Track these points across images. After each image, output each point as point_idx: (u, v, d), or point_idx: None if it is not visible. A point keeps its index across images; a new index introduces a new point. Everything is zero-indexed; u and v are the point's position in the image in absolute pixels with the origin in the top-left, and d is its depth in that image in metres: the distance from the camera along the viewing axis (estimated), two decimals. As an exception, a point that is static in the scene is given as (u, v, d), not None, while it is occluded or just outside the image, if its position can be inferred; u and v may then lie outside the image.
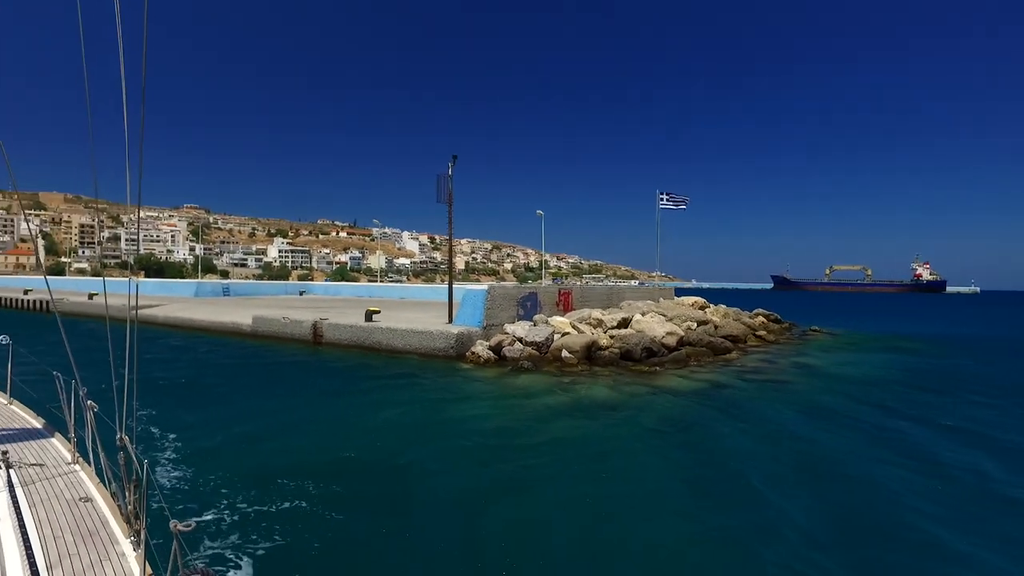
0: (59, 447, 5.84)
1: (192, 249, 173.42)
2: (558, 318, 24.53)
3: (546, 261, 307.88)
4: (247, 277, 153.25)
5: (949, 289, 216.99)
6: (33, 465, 5.21)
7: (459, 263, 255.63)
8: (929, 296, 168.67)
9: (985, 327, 51.41)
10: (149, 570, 3.46)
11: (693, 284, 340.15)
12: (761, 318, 36.38)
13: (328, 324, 25.90)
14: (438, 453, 11.33)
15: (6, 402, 7.66)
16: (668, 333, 23.98)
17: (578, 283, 47.86)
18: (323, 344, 25.73)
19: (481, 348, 21.58)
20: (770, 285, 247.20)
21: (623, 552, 7.24)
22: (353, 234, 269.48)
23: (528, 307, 25.66)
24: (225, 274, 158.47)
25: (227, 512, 7.77)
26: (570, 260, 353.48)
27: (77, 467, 5.26)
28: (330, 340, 25.57)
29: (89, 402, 5.15)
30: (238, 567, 6.27)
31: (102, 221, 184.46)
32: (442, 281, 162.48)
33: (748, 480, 10.00)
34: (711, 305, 35.52)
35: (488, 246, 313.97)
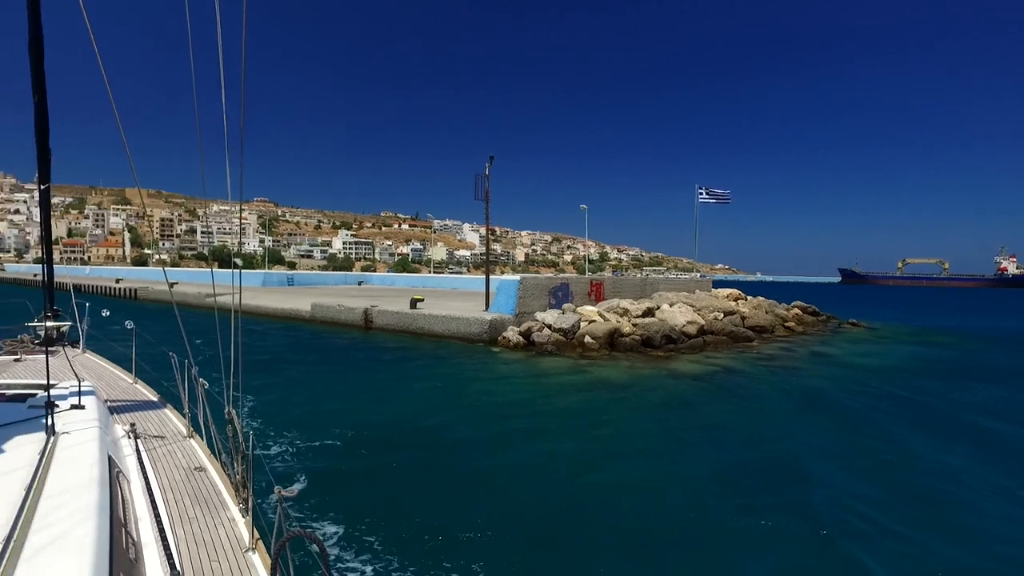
0: (176, 421, 6.41)
1: (261, 241, 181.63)
2: (587, 307, 26.35)
3: (606, 253, 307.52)
4: (312, 268, 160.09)
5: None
6: (155, 437, 5.72)
7: (519, 255, 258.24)
8: (1015, 291, 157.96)
9: None
10: (256, 535, 3.73)
11: (757, 277, 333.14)
12: (796, 310, 37.13)
13: (377, 311, 28.47)
14: (464, 414, 13.75)
15: (131, 381, 8.38)
16: (688, 322, 25.50)
17: (609, 275, 49.04)
18: (373, 329, 28.31)
19: (512, 333, 23.66)
20: (838, 279, 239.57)
21: (600, 482, 9.35)
22: (415, 226, 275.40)
23: (560, 296, 27.58)
24: (292, 265, 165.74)
25: (319, 473, 9.76)
26: (631, 252, 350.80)
27: (192, 440, 5.76)
28: (379, 325, 28.14)
29: (200, 380, 5.62)
30: (324, 518, 7.89)
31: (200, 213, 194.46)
32: (501, 272, 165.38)
33: (718, 440, 11.90)
34: (747, 297, 36.54)
35: (548, 238, 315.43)
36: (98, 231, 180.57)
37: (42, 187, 7.18)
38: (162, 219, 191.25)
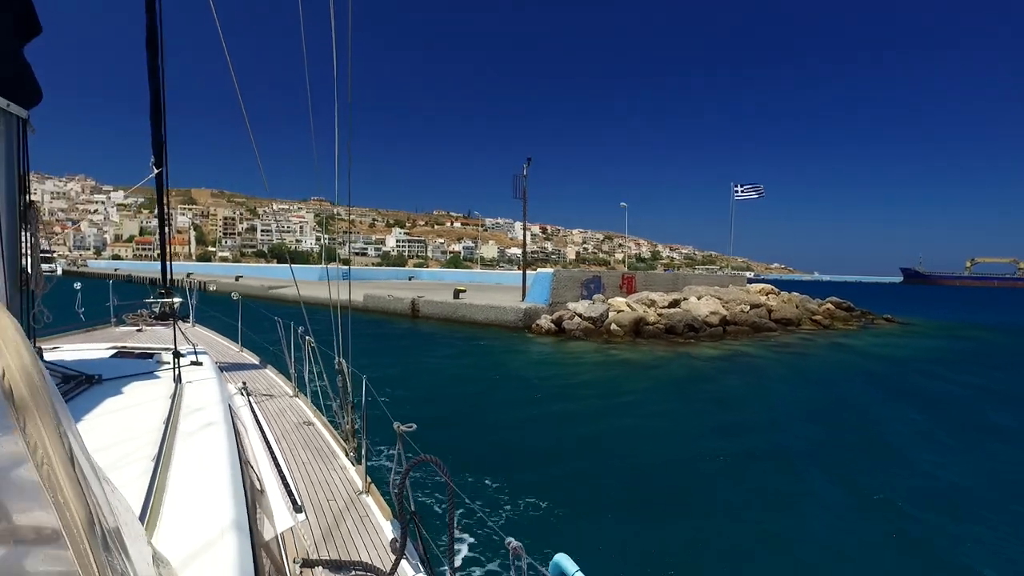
0: (281, 384, 6.87)
1: (318, 239, 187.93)
2: (618, 299, 28.28)
3: (658, 251, 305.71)
4: (367, 265, 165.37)
5: None
6: (264, 395, 6.10)
7: (570, 253, 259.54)
8: None
9: None
10: (369, 479, 3.91)
11: (814, 277, 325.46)
12: (828, 305, 37.98)
13: (423, 301, 31.03)
14: (500, 381, 16.17)
15: (238, 349, 9.15)
16: (711, 312, 27.19)
17: (638, 270, 50.74)
18: (419, 317, 30.87)
19: (544, 321, 25.82)
20: (900, 279, 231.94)
21: (607, 433, 11.54)
22: (467, 224, 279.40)
23: (592, 288, 29.59)
24: (347, 262, 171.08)
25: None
26: (683, 251, 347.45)
27: (298, 399, 6.14)
28: (425, 314, 30.69)
29: (308, 338, 6.03)
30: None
31: (326, 218, 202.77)
32: (561, 267, 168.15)
33: (713, 404, 14.00)
34: (780, 293, 37.70)
35: (600, 236, 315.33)
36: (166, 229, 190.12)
37: (156, 171, 7.44)
38: (225, 218, 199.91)
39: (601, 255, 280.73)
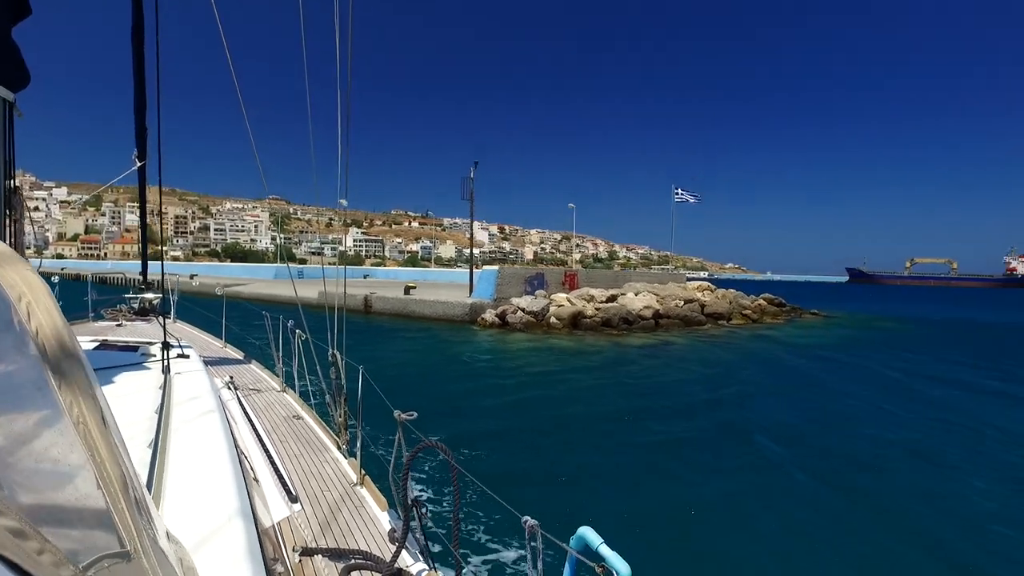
0: (268, 379, 6.77)
1: (273, 238, 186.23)
2: (559, 295, 30.10)
3: (615, 251, 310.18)
4: (323, 264, 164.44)
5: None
6: (251, 390, 5.96)
7: (528, 253, 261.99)
8: (1020, 292, 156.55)
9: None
10: (363, 472, 3.85)
11: (767, 276, 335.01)
12: (761, 301, 40.52)
13: (376, 297, 32.37)
14: (443, 364, 17.99)
15: (222, 345, 9.01)
16: (645, 307, 29.22)
17: (582, 268, 52.88)
18: (372, 312, 32.18)
19: (489, 315, 27.48)
20: (845, 278, 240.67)
21: (536, 396, 13.50)
22: (424, 224, 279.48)
23: (535, 284, 31.36)
24: (303, 261, 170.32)
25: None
26: (640, 251, 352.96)
27: (285, 394, 6.07)
28: (377, 309, 32.03)
29: (298, 331, 5.82)
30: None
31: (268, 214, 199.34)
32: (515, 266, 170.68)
33: (627, 380, 15.92)
34: (716, 289, 40.08)
35: (558, 236, 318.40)
36: (114, 228, 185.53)
37: (139, 163, 7.21)
38: (176, 216, 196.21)
39: (559, 255, 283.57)
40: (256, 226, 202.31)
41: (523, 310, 27.62)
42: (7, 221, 3.55)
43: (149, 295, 9.75)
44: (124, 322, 9.23)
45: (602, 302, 29.61)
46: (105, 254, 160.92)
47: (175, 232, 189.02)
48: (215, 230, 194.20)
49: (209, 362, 6.28)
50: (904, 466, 9.36)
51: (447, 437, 9.68)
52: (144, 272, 9.57)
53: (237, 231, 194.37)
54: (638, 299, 30.40)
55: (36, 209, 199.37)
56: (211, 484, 2.07)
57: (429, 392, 13.77)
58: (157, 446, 2.29)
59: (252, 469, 3.23)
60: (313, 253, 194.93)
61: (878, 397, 14.85)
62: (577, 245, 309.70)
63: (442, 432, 9.88)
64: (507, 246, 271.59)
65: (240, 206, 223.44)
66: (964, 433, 11.48)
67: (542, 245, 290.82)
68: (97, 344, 4.95)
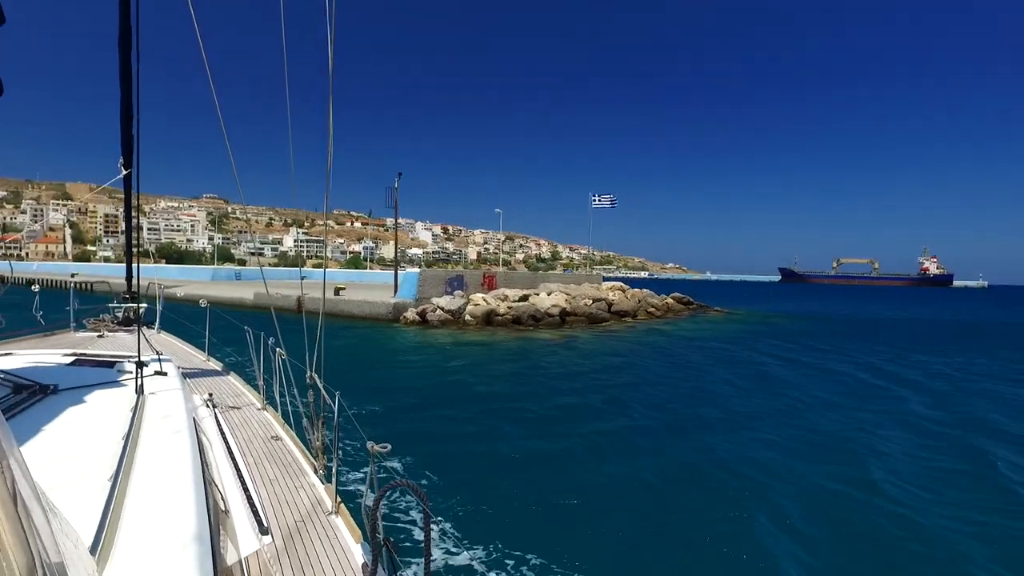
0: (249, 395, 6.58)
1: (211, 238, 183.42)
2: (477, 295, 33.02)
3: (558, 251, 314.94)
4: (263, 265, 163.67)
5: (956, 283, 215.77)
6: (231, 408, 5.82)
7: (471, 253, 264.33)
8: (933, 290, 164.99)
9: (917, 311, 59.59)
10: (339, 499, 3.79)
11: (706, 276, 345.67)
12: (669, 300, 44.41)
13: (308, 297, 34.55)
14: (368, 355, 20.75)
15: (204, 358, 8.73)
16: (553, 305, 32.44)
17: (502, 270, 56.12)
18: (304, 312, 34.35)
19: (411, 313, 30.21)
20: (778, 278, 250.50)
21: (446, 381, 16.19)
22: (367, 224, 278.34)
23: (455, 285, 34.24)
24: (242, 262, 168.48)
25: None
26: (582, 251, 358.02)
27: (266, 412, 5.90)
28: (309, 309, 34.08)
29: (279, 349, 5.78)
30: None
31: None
32: (452, 268, 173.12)
33: (527, 369, 19.04)
34: (628, 289, 43.71)
35: (501, 237, 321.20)
36: (36, 227, 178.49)
37: (125, 171, 7.09)
38: (106, 215, 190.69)
39: (503, 255, 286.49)
40: (192, 226, 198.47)
41: (442, 309, 30.43)
42: None
43: (132, 305, 9.70)
44: (106, 333, 9.10)
45: (514, 301, 32.67)
46: (27, 254, 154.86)
47: (105, 231, 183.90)
48: (148, 229, 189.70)
49: (189, 375, 6.41)
50: (720, 417, 13.01)
51: (366, 412, 12.10)
52: (128, 280, 9.86)
53: (173, 231, 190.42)
54: (548, 299, 33.60)
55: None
56: (169, 522, 2.01)
57: (352, 380, 16.37)
58: (117, 479, 2.21)
59: (224, 499, 3.19)
60: (252, 254, 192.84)
61: (727, 374, 18.39)
62: (521, 245, 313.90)
63: (362, 406, 12.46)
64: (451, 246, 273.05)
65: (176, 205, 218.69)
66: (780, 399, 15.11)
67: (486, 245, 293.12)
68: (73, 360, 4.81)
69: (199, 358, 8.83)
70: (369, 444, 3.29)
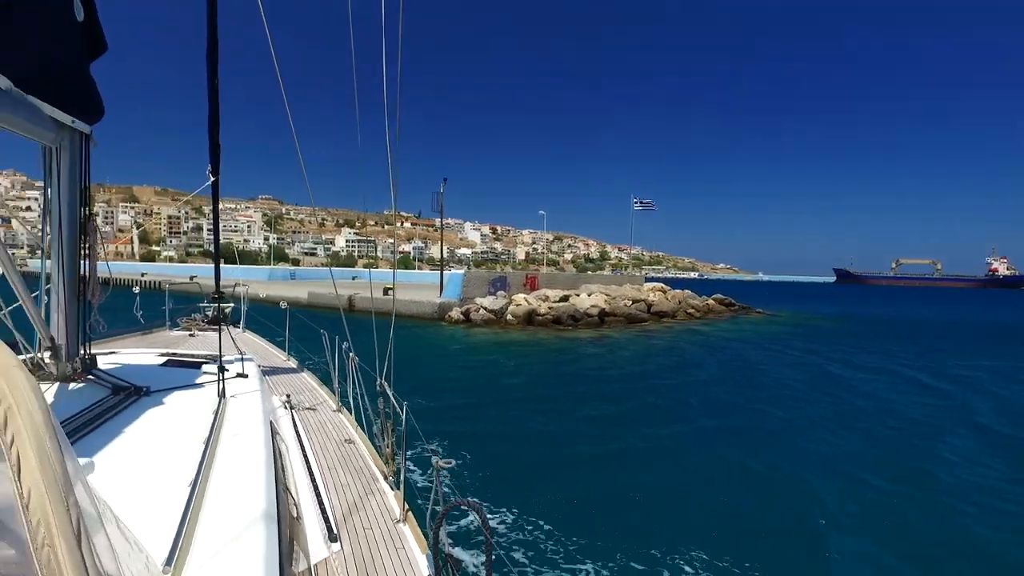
0: (326, 397, 6.72)
1: (266, 239, 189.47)
2: (519, 295, 34.28)
3: (607, 252, 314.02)
4: (316, 265, 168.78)
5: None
6: (308, 409, 6.07)
7: (520, 253, 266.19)
8: (1002, 292, 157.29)
9: (978, 314, 57.84)
10: (407, 506, 3.83)
11: (758, 277, 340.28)
12: (710, 301, 44.83)
13: (358, 296, 36.53)
14: (418, 350, 22.06)
15: (285, 358, 8.96)
16: (592, 306, 33.45)
17: (545, 271, 57.16)
18: (355, 311, 36.29)
19: (455, 312, 31.69)
20: (833, 279, 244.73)
21: (487, 372, 17.54)
22: (417, 224, 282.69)
23: (498, 286, 35.60)
24: (296, 262, 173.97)
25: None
26: (631, 251, 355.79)
27: (340, 414, 6.09)
28: (359, 308, 36.14)
29: (351, 355, 6.00)
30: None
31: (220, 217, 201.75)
32: (500, 269, 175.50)
33: (568, 364, 20.25)
34: (668, 291, 44.33)
35: (550, 237, 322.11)
36: (107, 228, 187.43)
37: (212, 179, 7.76)
38: (169, 217, 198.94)
39: (551, 255, 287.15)
40: (249, 226, 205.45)
41: (485, 308, 31.81)
42: (82, 247, 3.79)
43: (218, 305, 11.03)
44: (196, 332, 9.55)
45: (555, 302, 33.81)
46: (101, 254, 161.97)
47: (169, 232, 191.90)
48: (208, 230, 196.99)
49: (269, 374, 6.60)
50: (727, 414, 13.86)
51: (418, 396, 13.20)
52: (217, 282, 10.84)
53: (230, 231, 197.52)
54: (588, 299, 34.63)
55: (28, 209, 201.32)
56: (243, 531, 2.06)
57: (411, 372, 17.95)
58: (195, 488, 2.27)
59: (297, 505, 3.24)
60: (306, 254, 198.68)
61: (737, 374, 19.22)
62: (569, 245, 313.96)
63: (415, 393, 13.89)
64: (499, 246, 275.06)
65: (232, 206, 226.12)
66: (784, 400, 15.85)
67: (534, 245, 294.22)
68: (165, 360, 5.09)
69: (280, 358, 9.15)
70: (434, 459, 3.39)
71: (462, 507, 2.79)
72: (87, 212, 3.81)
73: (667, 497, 8.72)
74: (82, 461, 1.77)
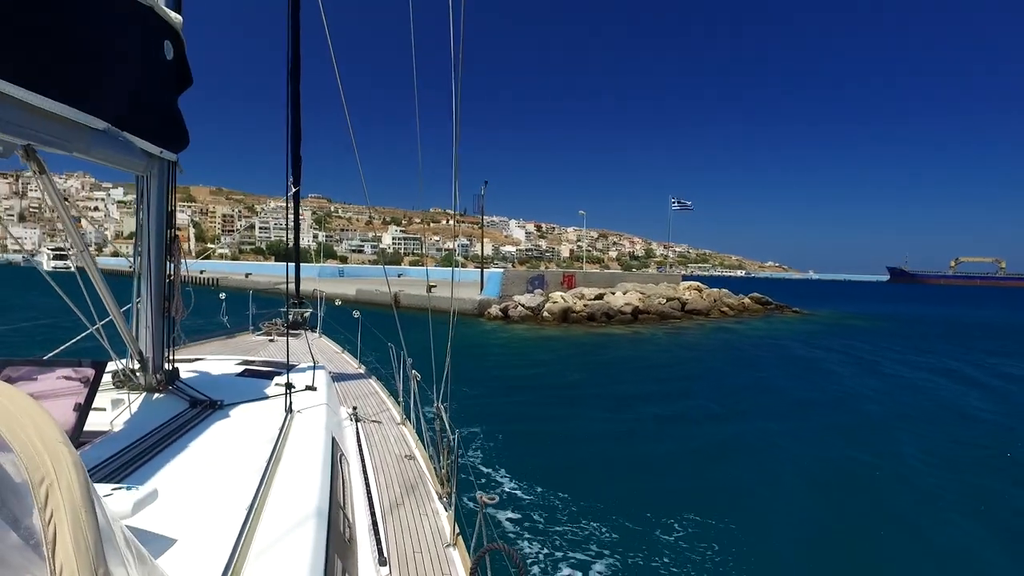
0: (391, 408, 6.90)
1: (315, 236, 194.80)
2: (556, 293, 35.77)
3: (652, 249, 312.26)
4: (363, 262, 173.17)
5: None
6: (372, 421, 6.21)
7: (564, 251, 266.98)
8: None
9: None
10: (457, 530, 3.82)
11: (808, 275, 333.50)
12: (745, 300, 45.39)
13: (404, 293, 38.57)
14: (459, 344, 23.50)
15: (356, 365, 9.12)
16: (626, 303, 34.73)
17: (583, 269, 58.26)
18: (400, 307, 38.18)
19: (494, 309, 33.40)
20: (886, 277, 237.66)
21: (523, 361, 19.01)
22: (462, 222, 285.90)
23: (536, 284, 37.14)
24: (344, 259, 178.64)
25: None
26: (677, 249, 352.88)
27: (403, 427, 6.19)
28: (404, 304, 38.19)
29: (413, 371, 6.14)
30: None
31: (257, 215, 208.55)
32: (545, 267, 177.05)
33: (596, 355, 21.49)
34: (704, 289, 45.14)
35: (594, 234, 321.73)
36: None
37: (294, 188, 7.52)
38: (224, 215, 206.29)
39: (595, 253, 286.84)
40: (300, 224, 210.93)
41: (523, 306, 33.40)
42: (168, 266, 3.97)
43: (298, 310, 10.53)
44: (275, 337, 9.86)
45: (590, 299, 35.18)
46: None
47: (223, 230, 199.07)
48: (260, 228, 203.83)
49: (339, 381, 6.80)
50: (735, 407, 14.99)
51: (463, 385, 14.91)
52: (297, 287, 11.01)
53: (281, 229, 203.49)
54: (622, 297, 35.92)
55: (96, 209, 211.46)
56: (296, 560, 2.10)
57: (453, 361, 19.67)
58: (252, 510, 2.33)
59: (352, 526, 3.25)
60: (353, 251, 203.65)
61: (741, 371, 20.13)
62: (614, 243, 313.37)
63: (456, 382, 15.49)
64: (543, 244, 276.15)
65: (283, 204, 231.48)
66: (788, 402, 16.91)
67: (578, 243, 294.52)
68: (242, 369, 5.30)
69: (351, 365, 9.25)
70: (478, 494, 3.38)
71: (501, 552, 2.84)
72: (172, 234, 4.07)
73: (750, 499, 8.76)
74: (145, 490, 1.94)
